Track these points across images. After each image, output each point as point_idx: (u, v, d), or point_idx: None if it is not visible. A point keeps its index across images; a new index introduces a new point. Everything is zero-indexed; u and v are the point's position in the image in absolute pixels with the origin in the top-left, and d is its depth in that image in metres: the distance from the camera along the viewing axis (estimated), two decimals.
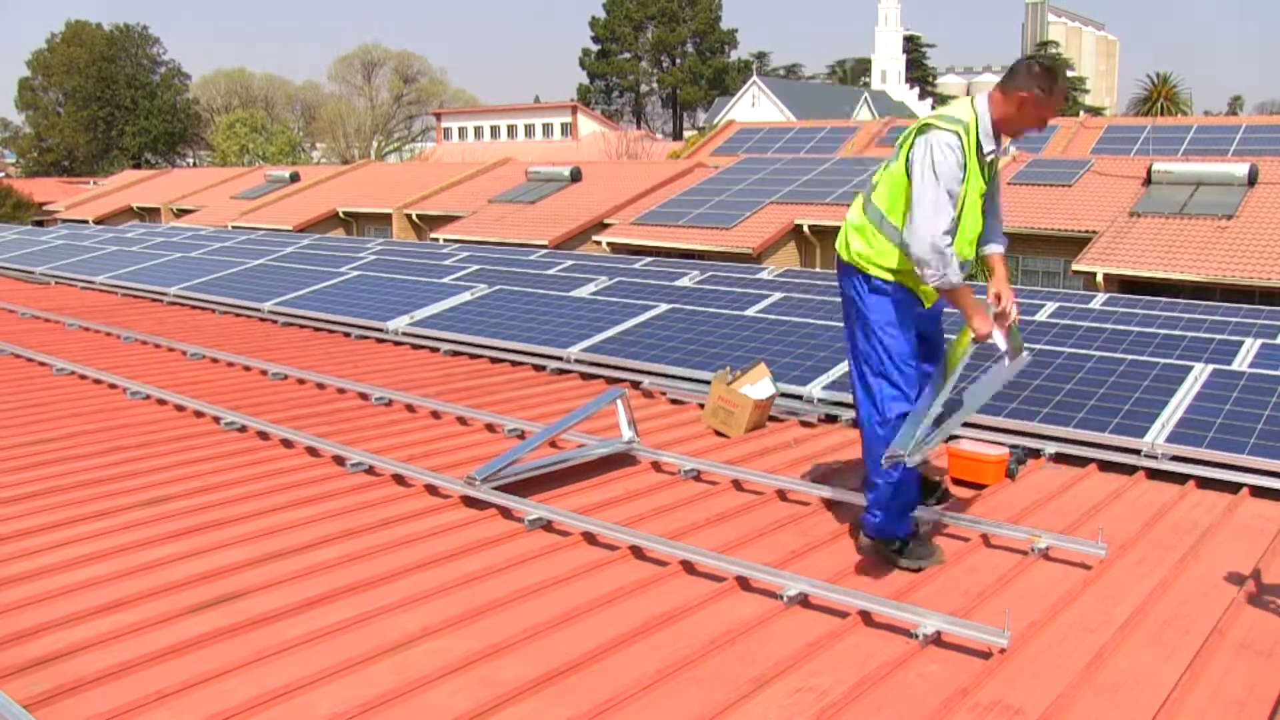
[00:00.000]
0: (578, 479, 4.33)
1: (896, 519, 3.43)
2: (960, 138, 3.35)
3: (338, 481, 4.22)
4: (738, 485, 4.32)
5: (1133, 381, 5.11)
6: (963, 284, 3.40)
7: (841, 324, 6.59)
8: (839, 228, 3.67)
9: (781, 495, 4.19)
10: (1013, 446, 4.58)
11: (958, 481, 4.40)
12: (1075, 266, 18.29)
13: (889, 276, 3.48)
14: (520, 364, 6.68)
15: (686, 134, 60.28)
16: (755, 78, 64.82)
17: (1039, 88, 3.37)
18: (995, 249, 3.75)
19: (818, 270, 18.71)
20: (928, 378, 3.61)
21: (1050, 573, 3.46)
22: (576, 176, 26.94)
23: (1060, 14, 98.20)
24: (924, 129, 3.41)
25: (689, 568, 3.39)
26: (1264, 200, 18.83)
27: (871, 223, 3.52)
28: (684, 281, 10.87)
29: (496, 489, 3.97)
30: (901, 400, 3.44)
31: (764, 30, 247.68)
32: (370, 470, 4.36)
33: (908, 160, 3.40)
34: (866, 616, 3.04)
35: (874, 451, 3.44)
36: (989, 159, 3.47)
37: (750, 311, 7.95)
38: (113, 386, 5.80)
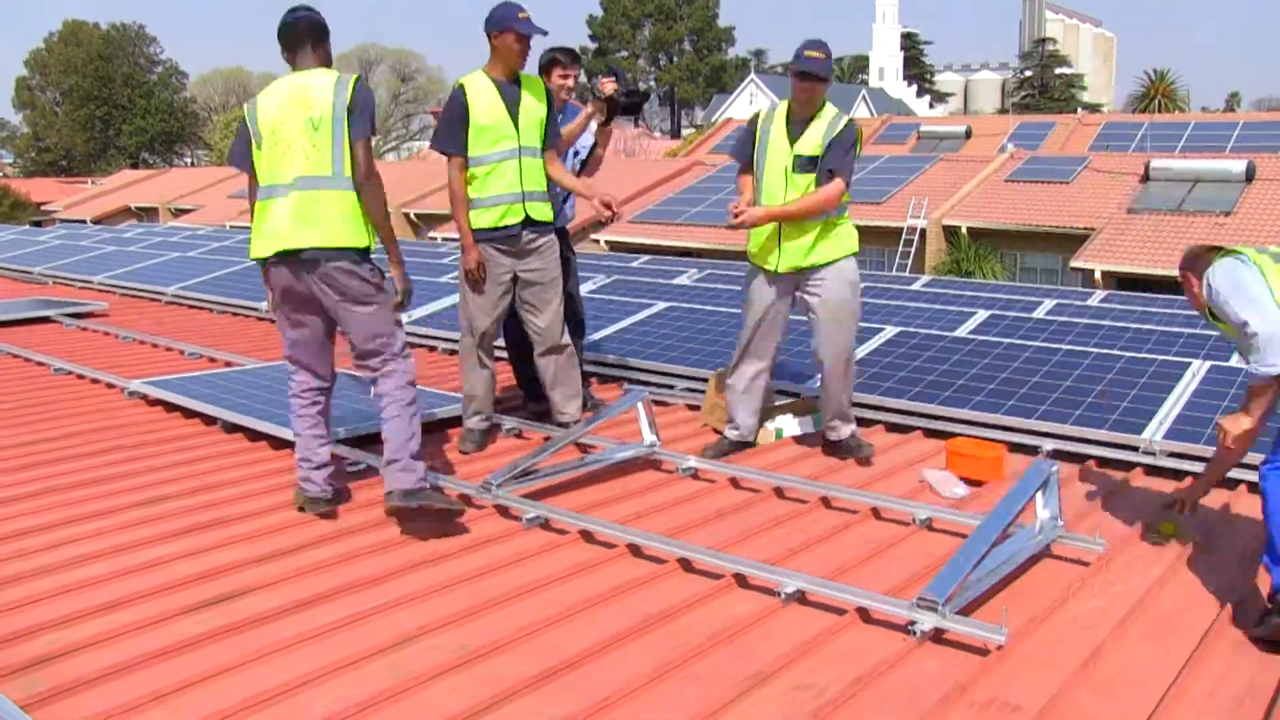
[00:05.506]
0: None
1: None
2: None
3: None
4: (735, 483, 4.32)
5: (1130, 378, 5.11)
6: None
7: None
8: None
9: (779, 493, 4.19)
10: (1010, 443, 4.58)
11: None
12: (1073, 263, 18.32)
13: None
14: None
15: (684, 132, 60.24)
16: (753, 75, 64.82)
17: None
18: None
19: None
20: None
21: (1048, 569, 3.46)
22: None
23: (1058, 10, 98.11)
24: None
25: (687, 565, 3.39)
26: (1261, 196, 18.86)
27: None
28: (682, 280, 10.86)
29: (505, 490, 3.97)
30: None
31: (761, 27, 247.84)
32: (368, 469, 4.36)
33: None
34: (864, 613, 3.04)
35: None
36: None
37: None
38: (110, 386, 5.80)
